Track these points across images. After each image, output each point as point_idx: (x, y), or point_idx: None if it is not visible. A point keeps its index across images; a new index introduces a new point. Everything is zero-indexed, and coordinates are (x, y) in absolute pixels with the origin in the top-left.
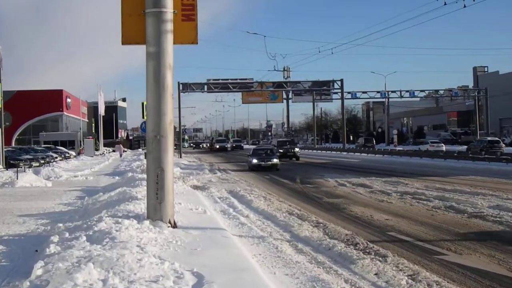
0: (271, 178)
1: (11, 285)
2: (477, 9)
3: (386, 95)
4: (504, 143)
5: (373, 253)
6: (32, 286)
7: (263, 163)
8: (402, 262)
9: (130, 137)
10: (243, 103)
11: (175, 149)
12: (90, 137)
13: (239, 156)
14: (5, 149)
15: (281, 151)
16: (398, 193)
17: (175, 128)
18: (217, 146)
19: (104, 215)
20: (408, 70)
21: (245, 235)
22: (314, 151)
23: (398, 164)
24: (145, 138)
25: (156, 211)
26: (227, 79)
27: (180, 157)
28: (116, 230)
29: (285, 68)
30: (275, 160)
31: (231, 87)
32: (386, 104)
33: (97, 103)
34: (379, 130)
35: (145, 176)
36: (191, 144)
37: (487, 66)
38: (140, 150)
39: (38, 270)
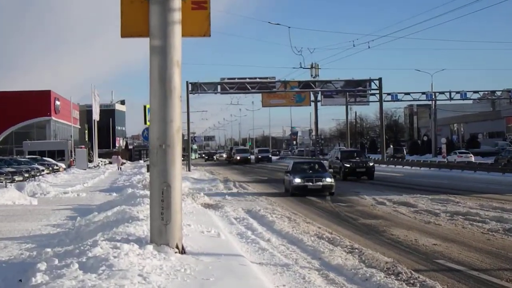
0: (296, 195)
1: None
2: None
3: (433, 97)
4: None
5: (418, 285)
6: None
7: (311, 183)
8: None
9: (130, 147)
10: (263, 106)
11: (183, 160)
12: (83, 146)
13: (267, 171)
14: None
15: (347, 165)
16: (447, 214)
17: (183, 136)
18: (238, 158)
19: (100, 239)
20: (459, 67)
21: (266, 263)
22: None
23: (447, 178)
24: (148, 148)
25: (161, 234)
26: (245, 78)
27: (189, 170)
28: (114, 257)
29: (313, 65)
30: (329, 180)
31: (249, 88)
32: (433, 107)
33: (90, 106)
34: (425, 138)
35: (147, 192)
36: (203, 155)
37: None
38: (141, 161)
39: None
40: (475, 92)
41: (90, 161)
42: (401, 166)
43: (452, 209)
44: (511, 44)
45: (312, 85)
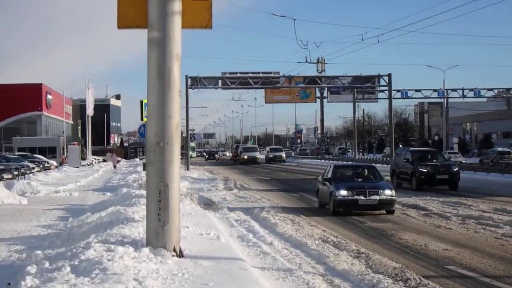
0: (301, 197)
1: None
2: None
3: (445, 94)
4: None
5: None
6: None
7: (363, 197)
8: None
9: (125, 144)
10: (266, 102)
11: (181, 159)
12: (76, 143)
13: (285, 173)
14: None
15: (423, 170)
16: (459, 217)
17: (181, 133)
18: (246, 157)
19: (93, 241)
20: (472, 63)
21: (268, 267)
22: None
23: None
24: (145, 145)
25: (158, 236)
26: (247, 73)
27: (188, 169)
28: (108, 260)
29: (320, 60)
30: (388, 193)
31: (252, 83)
32: (445, 105)
33: (84, 101)
34: (436, 137)
35: (143, 192)
36: (203, 154)
37: None
38: (137, 160)
39: None
40: (489, 89)
41: (83, 158)
42: None
43: (464, 212)
44: None
45: (318, 80)
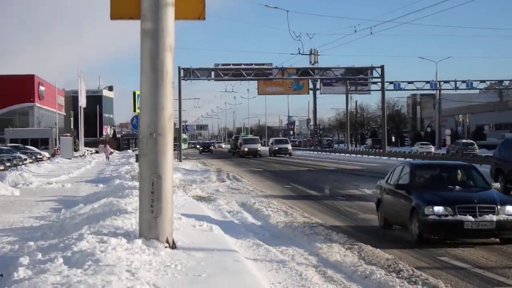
0: (293, 188)
1: None
2: None
3: (438, 86)
4: None
5: (420, 283)
6: None
7: (471, 218)
8: None
9: (118, 135)
10: (259, 94)
11: (174, 150)
12: (68, 134)
13: (278, 164)
14: None
15: None
16: None
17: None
18: (246, 149)
19: (86, 232)
20: (465, 55)
21: (261, 259)
22: (347, 155)
23: None
24: (138, 137)
25: (150, 227)
26: (240, 64)
27: (180, 160)
28: (101, 251)
29: (312, 52)
30: (510, 210)
31: (245, 74)
32: (438, 97)
33: (76, 92)
34: (428, 129)
35: (136, 184)
36: (196, 146)
37: None
38: (130, 151)
39: None
40: (481, 81)
41: (76, 150)
42: (395, 158)
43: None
44: None
45: (311, 72)
